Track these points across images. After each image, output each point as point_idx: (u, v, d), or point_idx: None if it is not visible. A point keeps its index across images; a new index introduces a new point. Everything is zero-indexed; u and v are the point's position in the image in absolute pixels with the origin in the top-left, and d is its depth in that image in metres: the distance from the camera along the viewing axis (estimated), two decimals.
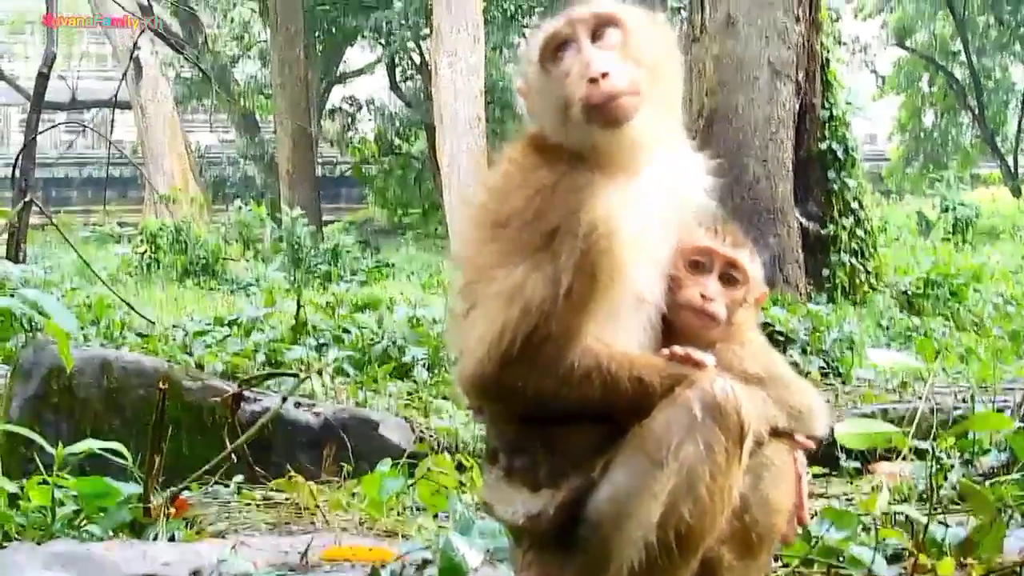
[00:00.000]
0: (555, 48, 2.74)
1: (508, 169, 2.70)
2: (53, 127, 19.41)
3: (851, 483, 6.05)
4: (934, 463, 5.53)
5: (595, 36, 2.76)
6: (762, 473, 2.76)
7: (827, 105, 16.86)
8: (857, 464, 6.50)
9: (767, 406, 2.82)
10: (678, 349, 2.62)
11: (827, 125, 16.80)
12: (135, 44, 26.25)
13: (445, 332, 2.94)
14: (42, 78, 11.90)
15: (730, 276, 2.98)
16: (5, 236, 13.66)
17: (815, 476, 6.14)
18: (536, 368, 2.56)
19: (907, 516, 3.96)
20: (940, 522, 3.91)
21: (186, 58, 36.89)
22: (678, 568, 2.55)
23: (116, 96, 15.85)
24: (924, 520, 3.63)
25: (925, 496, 5.05)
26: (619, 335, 2.64)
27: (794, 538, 3.02)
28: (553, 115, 2.69)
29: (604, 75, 2.67)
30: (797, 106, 16.58)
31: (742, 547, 2.72)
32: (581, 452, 2.62)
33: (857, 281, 16.63)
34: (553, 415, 2.63)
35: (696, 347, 2.72)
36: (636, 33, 2.79)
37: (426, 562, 3.61)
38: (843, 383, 9.90)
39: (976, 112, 46.28)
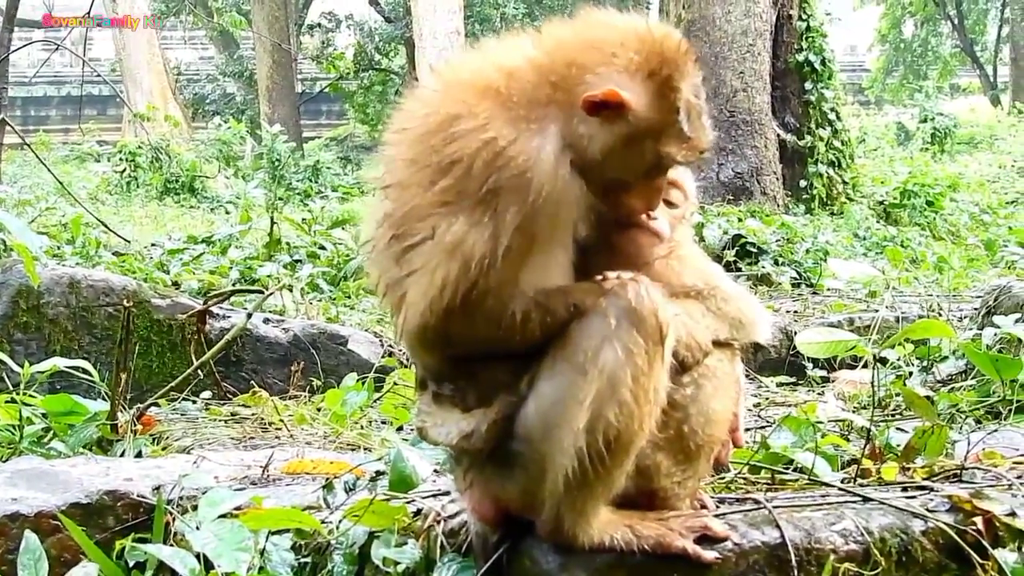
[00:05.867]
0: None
1: (457, 112, 2.60)
2: (24, 45, 19.17)
3: (815, 392, 6.10)
4: (891, 371, 5.63)
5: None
6: (703, 383, 2.78)
7: (804, 16, 16.80)
8: (824, 373, 6.56)
9: (707, 318, 2.85)
10: (610, 274, 2.63)
11: (804, 36, 16.75)
12: None
13: (366, 263, 2.84)
14: None
15: (671, 196, 2.98)
16: None
17: (779, 385, 6.21)
18: (478, 320, 2.58)
19: (862, 424, 4.01)
20: (899, 429, 3.96)
21: None
22: (611, 473, 2.59)
23: (90, 12, 15.58)
24: (867, 425, 3.67)
25: (884, 403, 5.13)
26: (551, 275, 2.65)
27: (727, 460, 3.06)
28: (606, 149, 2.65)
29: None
30: (774, 17, 16.54)
31: (679, 455, 2.74)
32: (504, 378, 2.66)
33: (834, 192, 16.69)
34: (494, 358, 2.68)
35: (636, 267, 2.73)
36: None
37: (379, 473, 3.65)
38: (814, 293, 9.96)
39: (956, 22, 46.11)
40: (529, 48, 2.74)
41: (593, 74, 2.64)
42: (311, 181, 26.00)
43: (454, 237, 2.55)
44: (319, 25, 43.67)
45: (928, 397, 3.86)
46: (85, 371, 5.43)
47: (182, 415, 5.72)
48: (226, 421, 5.59)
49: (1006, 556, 2.77)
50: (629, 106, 2.62)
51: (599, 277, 2.64)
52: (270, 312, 7.32)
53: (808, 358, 6.27)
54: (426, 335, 2.65)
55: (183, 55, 46.28)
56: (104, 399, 5.33)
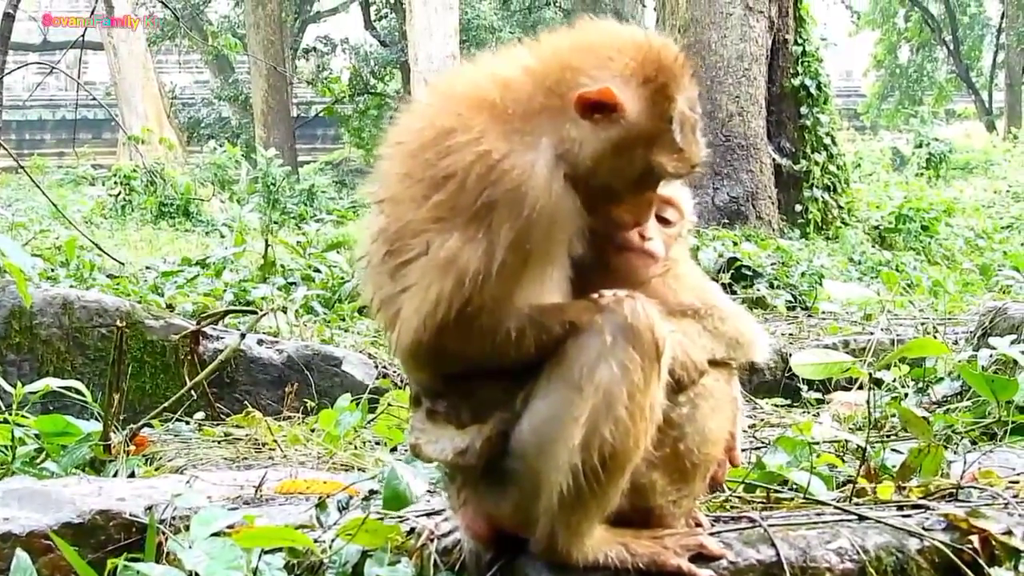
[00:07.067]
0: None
1: (451, 125, 2.59)
2: (18, 68, 19.21)
3: (810, 414, 6.08)
4: (887, 392, 5.63)
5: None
6: (700, 403, 2.76)
7: (800, 41, 16.85)
8: (819, 395, 6.55)
9: (703, 337, 2.83)
10: (607, 293, 2.62)
11: (800, 61, 16.80)
12: None
13: (360, 278, 2.84)
14: (8, 18, 11.75)
15: (666, 214, 2.97)
16: None
17: (776, 407, 6.19)
18: (473, 336, 2.56)
19: (858, 444, 4.00)
20: (894, 449, 3.95)
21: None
22: (607, 491, 2.56)
23: (84, 36, 15.58)
24: (862, 444, 3.65)
25: (880, 424, 5.11)
26: (546, 291, 2.63)
27: (723, 479, 3.04)
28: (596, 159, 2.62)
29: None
30: (770, 42, 16.59)
31: (675, 473, 2.72)
32: (499, 395, 2.65)
33: (829, 216, 16.71)
34: (489, 374, 2.67)
35: (632, 286, 2.72)
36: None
37: (373, 492, 3.64)
38: (809, 316, 9.96)
39: (951, 47, 46.35)
40: (526, 57, 2.73)
41: (587, 76, 2.62)
42: (306, 205, 26.00)
43: (448, 253, 2.53)
44: (314, 49, 43.78)
45: (924, 417, 3.84)
46: (78, 392, 5.40)
47: (175, 436, 5.70)
48: (219, 442, 5.56)
49: (1002, 575, 2.76)
50: (622, 108, 2.60)
51: (595, 295, 2.63)
52: (264, 333, 7.30)
53: (803, 380, 6.26)
54: (420, 351, 2.63)
55: (178, 79, 46.31)
56: (97, 420, 5.31)
